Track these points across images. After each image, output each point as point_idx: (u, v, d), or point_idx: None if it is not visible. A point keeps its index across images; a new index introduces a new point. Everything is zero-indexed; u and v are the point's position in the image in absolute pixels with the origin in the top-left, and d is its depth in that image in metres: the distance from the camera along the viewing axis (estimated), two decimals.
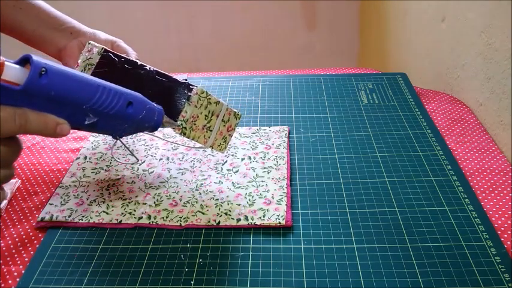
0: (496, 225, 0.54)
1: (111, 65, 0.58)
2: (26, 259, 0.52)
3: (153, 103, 0.51)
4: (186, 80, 0.55)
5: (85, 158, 0.68)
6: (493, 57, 0.72)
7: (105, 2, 1.67)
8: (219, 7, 1.71)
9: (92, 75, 0.59)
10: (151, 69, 0.57)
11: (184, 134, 0.54)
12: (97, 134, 0.73)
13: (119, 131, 0.49)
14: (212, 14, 1.73)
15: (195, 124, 0.54)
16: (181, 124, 0.53)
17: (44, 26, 0.64)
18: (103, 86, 0.45)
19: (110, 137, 0.72)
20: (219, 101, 0.56)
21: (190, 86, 0.54)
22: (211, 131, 0.56)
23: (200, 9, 1.71)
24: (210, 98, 0.55)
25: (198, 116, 0.54)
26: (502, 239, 0.52)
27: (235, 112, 0.58)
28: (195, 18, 1.74)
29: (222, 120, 0.57)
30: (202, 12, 1.72)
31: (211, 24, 1.75)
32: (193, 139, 0.55)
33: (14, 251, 0.54)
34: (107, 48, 0.60)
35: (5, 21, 0.63)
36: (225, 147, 0.59)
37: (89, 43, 0.60)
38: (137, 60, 0.58)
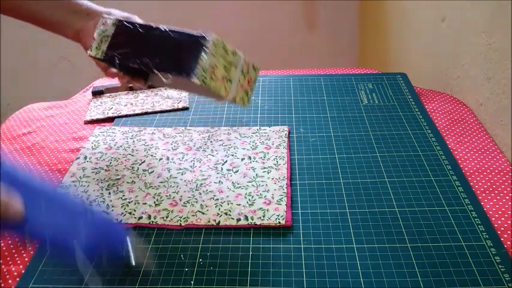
0: (496, 225, 0.54)
1: (127, 34, 0.57)
2: (26, 259, 0.52)
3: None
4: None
5: (85, 158, 0.68)
6: (493, 57, 0.72)
7: (105, 2, 1.67)
8: (219, 7, 1.71)
9: (108, 46, 0.58)
10: (165, 29, 0.56)
11: (205, 83, 0.52)
12: (97, 134, 0.73)
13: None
14: (212, 14, 1.73)
15: (214, 74, 0.52)
16: (200, 72, 0.51)
17: (61, 10, 0.65)
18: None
19: (110, 137, 0.72)
20: (235, 52, 0.54)
21: (205, 36, 0.53)
22: (231, 82, 0.55)
23: (200, 9, 1.71)
24: (225, 46, 0.53)
25: (216, 66, 0.52)
26: (502, 239, 0.52)
27: (253, 64, 0.57)
28: (195, 18, 1.74)
29: (242, 72, 0.55)
30: (202, 12, 1.72)
31: (211, 24, 1.75)
32: (214, 90, 0.53)
33: (14, 251, 0.54)
34: (121, 19, 0.59)
35: (23, 10, 0.65)
36: (248, 101, 0.58)
37: (103, 17, 0.60)
38: (151, 24, 0.57)
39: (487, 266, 0.48)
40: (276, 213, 0.56)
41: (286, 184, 0.60)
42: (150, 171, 0.64)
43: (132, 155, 0.68)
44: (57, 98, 0.89)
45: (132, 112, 0.80)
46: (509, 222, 0.54)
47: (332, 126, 0.73)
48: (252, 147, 0.68)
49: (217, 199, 0.58)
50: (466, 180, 0.61)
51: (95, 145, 0.71)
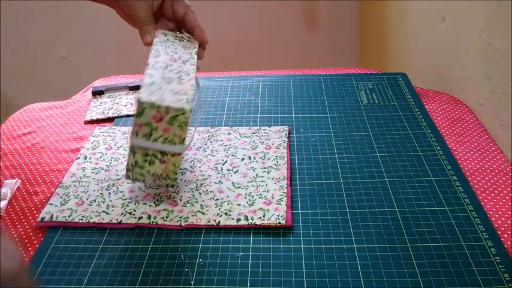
0: (496, 225, 0.54)
1: None
2: (26, 259, 0.52)
3: None
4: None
5: (85, 158, 0.68)
6: (493, 57, 0.72)
7: None
8: (219, 7, 1.71)
9: None
10: None
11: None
12: (97, 134, 0.73)
13: None
14: (212, 14, 1.73)
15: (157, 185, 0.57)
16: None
17: None
18: None
19: (110, 137, 0.72)
20: (130, 167, 0.54)
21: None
22: (164, 162, 0.54)
23: (200, 9, 1.71)
24: (135, 177, 0.55)
25: (152, 174, 0.55)
26: (502, 239, 0.52)
27: (136, 133, 0.52)
28: None
29: (146, 154, 0.53)
30: (202, 12, 1.72)
31: (211, 24, 1.75)
32: (174, 182, 0.56)
33: None
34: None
35: None
36: (182, 140, 0.53)
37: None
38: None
39: (487, 266, 0.48)
40: (276, 213, 0.56)
41: (286, 184, 0.60)
42: None
43: None
44: (57, 98, 0.89)
45: (132, 112, 0.80)
46: (509, 222, 0.54)
47: (332, 126, 0.73)
48: (252, 147, 0.68)
49: (217, 199, 0.58)
50: (466, 180, 0.61)
51: (95, 145, 0.70)
